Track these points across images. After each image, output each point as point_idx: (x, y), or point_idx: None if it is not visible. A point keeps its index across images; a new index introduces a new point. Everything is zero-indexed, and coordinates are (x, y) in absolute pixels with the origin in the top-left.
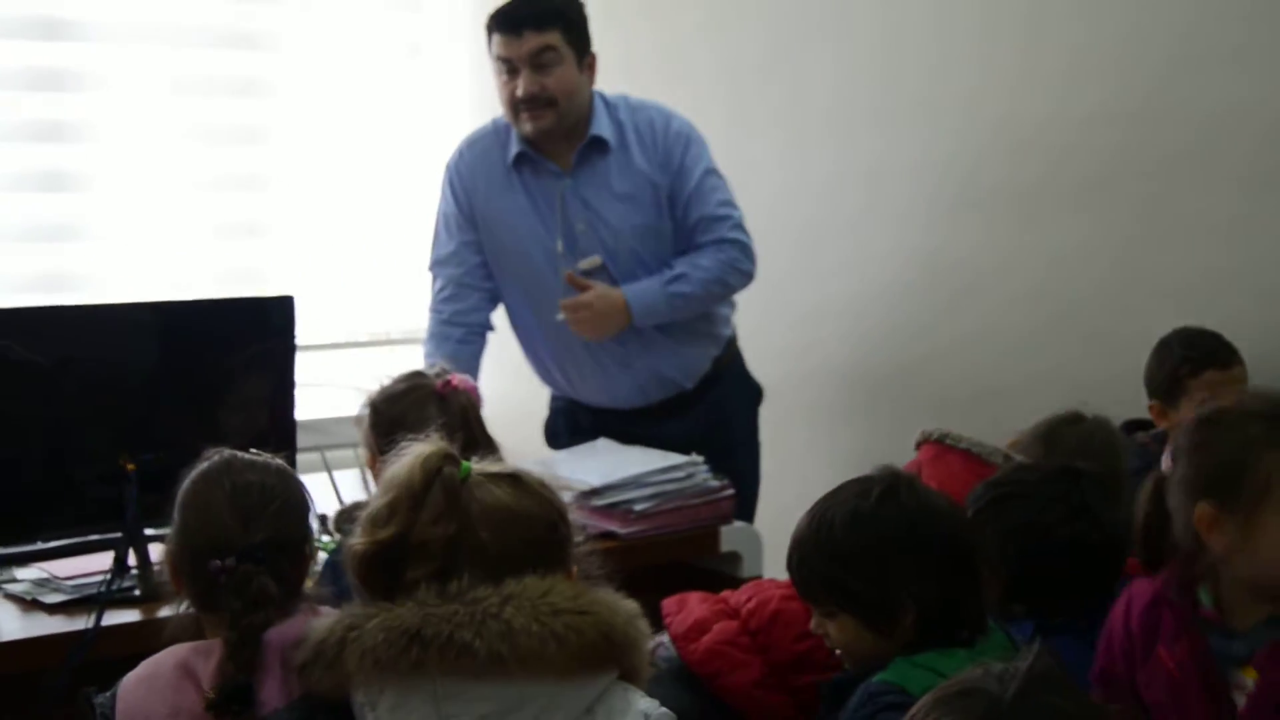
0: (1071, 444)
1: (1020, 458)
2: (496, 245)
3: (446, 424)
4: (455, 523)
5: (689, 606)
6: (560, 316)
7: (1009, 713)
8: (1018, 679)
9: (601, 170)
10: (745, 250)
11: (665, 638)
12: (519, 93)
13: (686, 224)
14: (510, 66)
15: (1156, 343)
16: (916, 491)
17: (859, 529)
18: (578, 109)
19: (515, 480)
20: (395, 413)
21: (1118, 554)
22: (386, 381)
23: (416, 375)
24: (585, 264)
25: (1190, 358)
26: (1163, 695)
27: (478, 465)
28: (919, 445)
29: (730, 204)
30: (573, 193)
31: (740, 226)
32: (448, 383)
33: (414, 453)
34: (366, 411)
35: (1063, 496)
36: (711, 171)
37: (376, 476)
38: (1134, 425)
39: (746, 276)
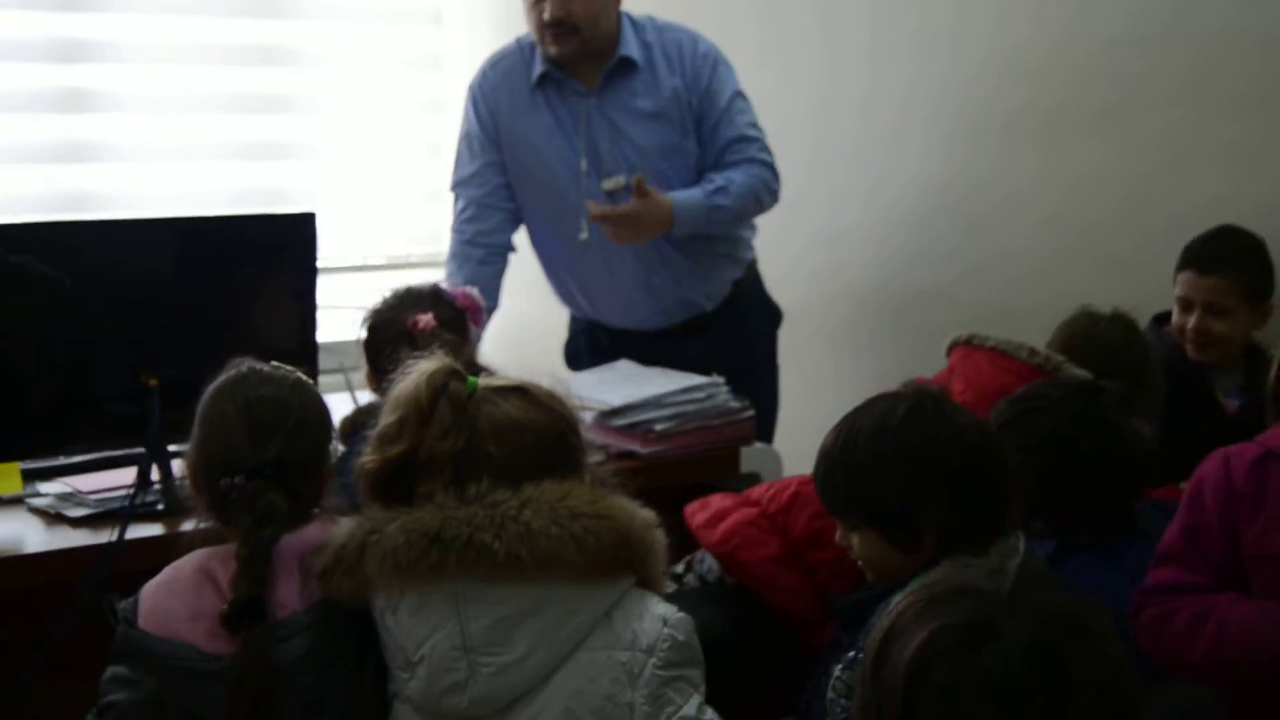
0: (1109, 342)
1: (1045, 351)
2: (520, 165)
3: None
4: (463, 437)
5: (711, 503)
6: (584, 235)
7: (1008, 610)
8: (1009, 576)
9: (627, 90)
10: (774, 172)
11: (699, 553)
12: (545, 16)
13: (715, 144)
14: None
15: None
16: (943, 408)
17: (883, 444)
18: (603, 32)
19: (522, 393)
20: (381, 338)
21: (1137, 469)
22: (378, 300)
23: (402, 298)
24: (609, 184)
25: (1186, 252)
26: None
27: (484, 380)
28: (949, 351)
29: (757, 127)
30: (598, 112)
31: (767, 149)
32: (415, 323)
33: (420, 370)
34: (363, 332)
35: (1084, 411)
36: (739, 94)
37: (374, 393)
38: (1163, 318)
39: (774, 197)
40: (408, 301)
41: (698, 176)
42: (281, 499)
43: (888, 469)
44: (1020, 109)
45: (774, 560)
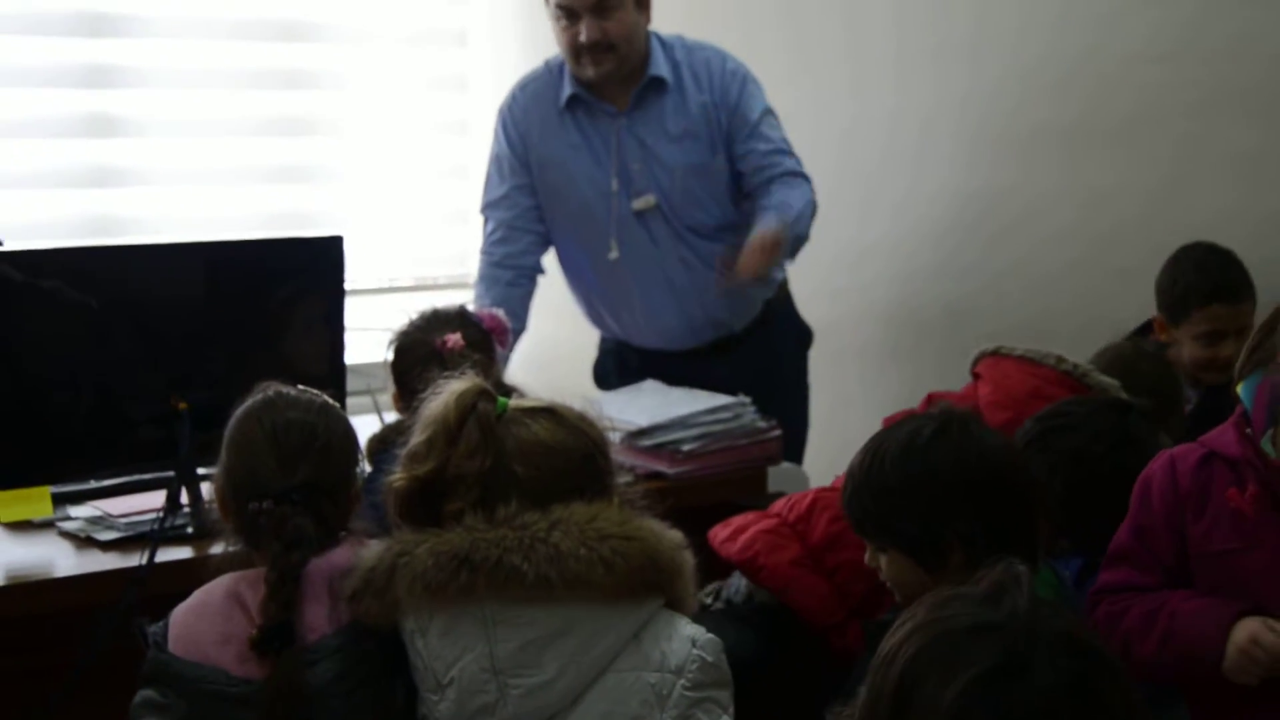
0: (1143, 375)
1: (1072, 360)
2: (549, 186)
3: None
4: (490, 457)
5: (733, 522)
6: (613, 255)
7: (1030, 643)
8: (1020, 603)
9: (657, 110)
10: (811, 185)
11: (732, 578)
12: (582, 38)
13: (750, 160)
14: (570, 12)
15: (1172, 254)
16: (969, 430)
17: (909, 467)
18: (637, 51)
19: (551, 414)
20: (408, 359)
21: None
22: (405, 322)
23: (429, 319)
24: (639, 204)
25: (1200, 288)
26: (1234, 539)
27: (514, 401)
28: (976, 363)
29: (788, 143)
30: (628, 132)
31: (801, 164)
32: (444, 342)
33: (450, 390)
34: (390, 353)
35: (1110, 428)
36: (769, 111)
37: (401, 414)
38: (1140, 331)
39: (815, 210)
40: (435, 323)
41: (729, 195)
42: (309, 523)
43: (913, 491)
44: (1041, 122)
45: (794, 563)
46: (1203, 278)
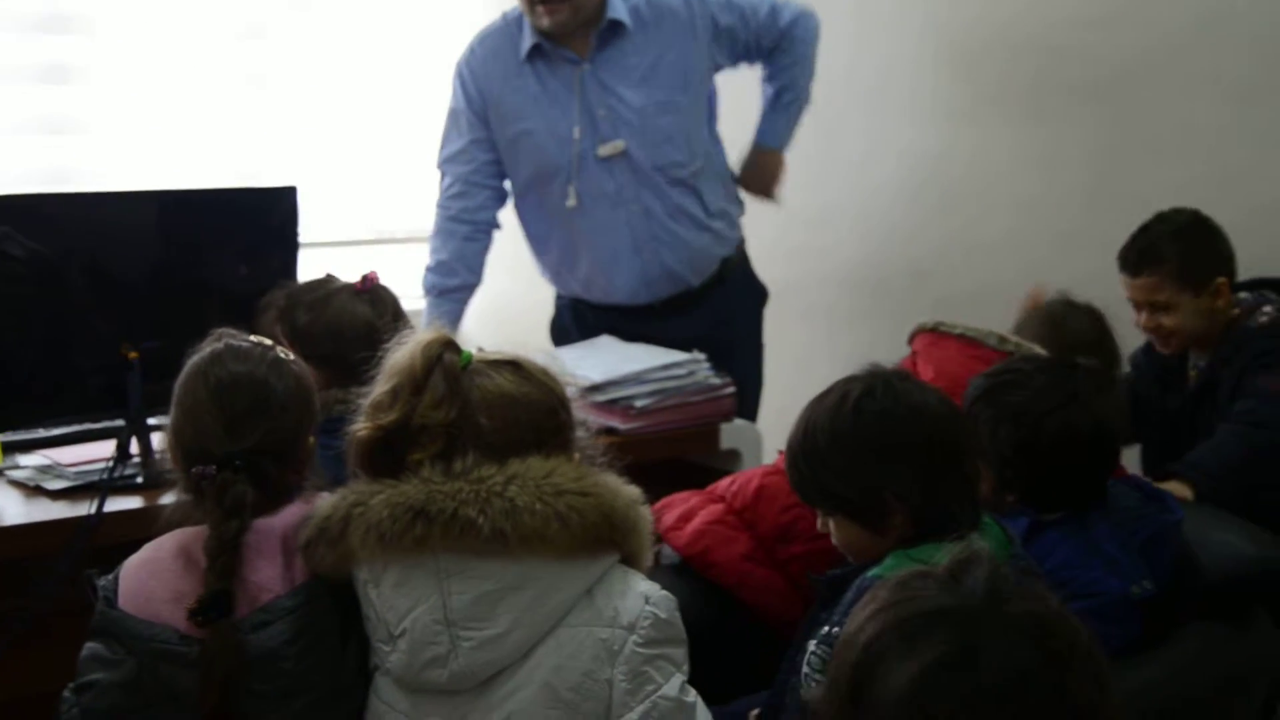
0: (1076, 330)
1: (1014, 339)
2: (509, 139)
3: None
4: (455, 408)
5: (674, 504)
6: (570, 202)
7: (985, 635)
8: (979, 585)
9: (619, 52)
10: (801, 20)
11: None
12: None
13: (764, 42)
14: None
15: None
16: (894, 391)
17: (837, 430)
18: None
19: (516, 367)
20: (327, 319)
21: (1108, 444)
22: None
23: (326, 280)
24: (605, 150)
25: (1121, 254)
26: None
27: (479, 353)
28: (913, 337)
29: (761, 1)
30: (591, 77)
31: (782, 7)
32: (366, 279)
33: (415, 340)
34: (282, 324)
35: (1056, 385)
36: None
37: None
38: None
39: (817, 34)
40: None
41: (700, 130)
42: (250, 490)
43: (845, 455)
44: (997, 88)
45: (745, 558)
46: (1124, 248)
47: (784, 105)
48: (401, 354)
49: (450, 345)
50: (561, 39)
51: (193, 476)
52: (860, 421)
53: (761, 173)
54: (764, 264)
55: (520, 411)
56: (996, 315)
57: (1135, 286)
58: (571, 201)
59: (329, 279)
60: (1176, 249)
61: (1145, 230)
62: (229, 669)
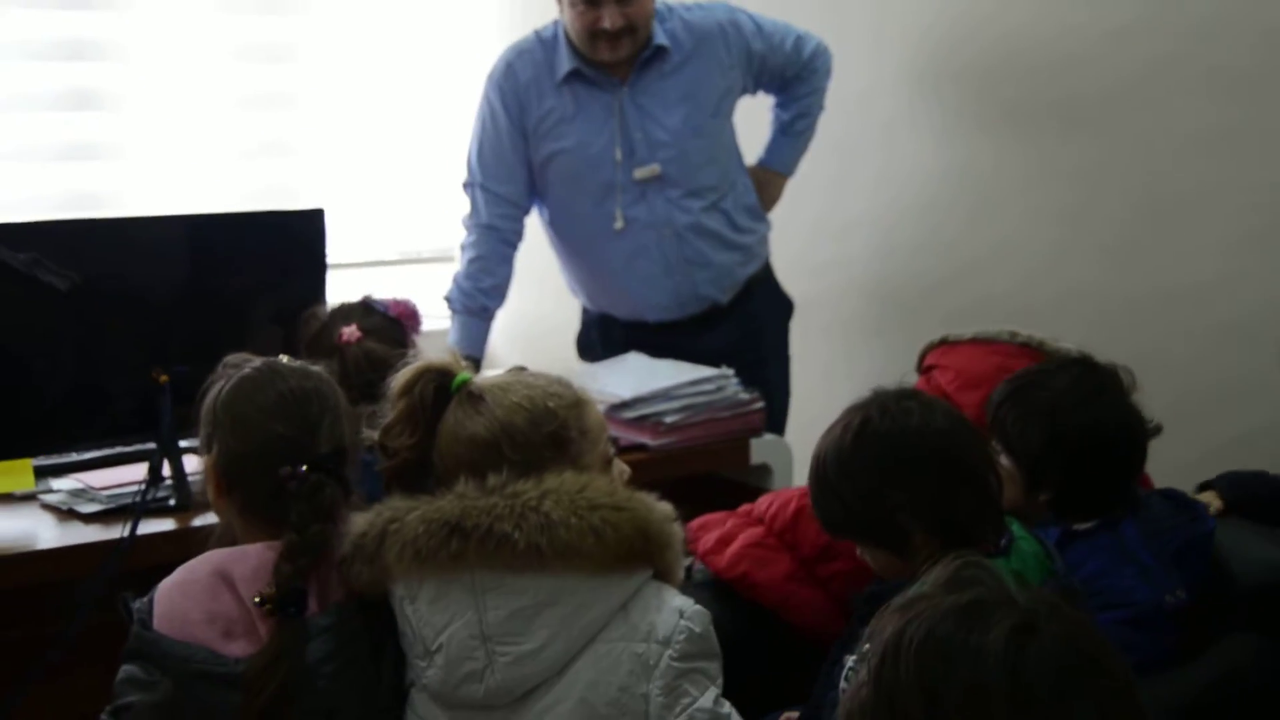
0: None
1: (1025, 333)
2: (544, 157)
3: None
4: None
5: (711, 525)
6: (619, 225)
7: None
8: (1007, 619)
9: (657, 75)
10: (820, 53)
11: (697, 563)
12: (605, 24)
13: (787, 75)
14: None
15: None
16: (893, 414)
17: (843, 463)
18: (650, 28)
19: (514, 389)
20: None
21: (1137, 438)
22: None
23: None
24: (642, 173)
25: None
26: None
27: (480, 379)
28: (922, 357)
29: (788, 32)
30: (630, 101)
31: (805, 39)
32: (340, 336)
33: (415, 366)
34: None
35: (1082, 382)
36: (761, 23)
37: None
38: None
39: (831, 65)
40: (337, 317)
41: (727, 153)
42: (341, 494)
43: (851, 483)
44: (1020, 99)
45: (788, 578)
46: None
47: (797, 132)
48: (399, 379)
49: (444, 372)
50: (603, 65)
51: (282, 477)
52: (861, 448)
53: (762, 194)
54: (789, 278)
55: (518, 435)
56: (1025, 328)
57: None
58: (619, 224)
59: (368, 302)
60: None
61: None
62: (285, 678)
